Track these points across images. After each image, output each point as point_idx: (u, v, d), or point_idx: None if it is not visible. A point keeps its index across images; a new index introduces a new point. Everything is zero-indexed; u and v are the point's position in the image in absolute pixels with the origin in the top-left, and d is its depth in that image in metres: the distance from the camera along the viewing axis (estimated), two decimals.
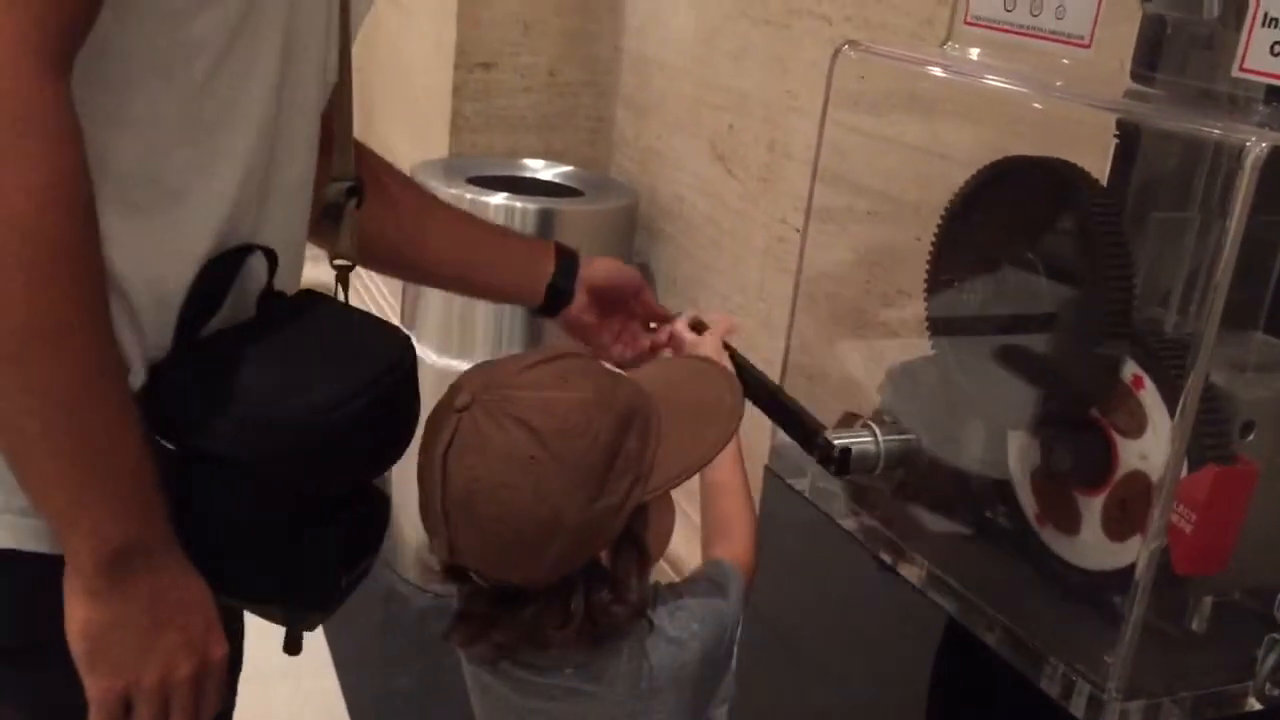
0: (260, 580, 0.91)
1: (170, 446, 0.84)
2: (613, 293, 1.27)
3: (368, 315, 0.99)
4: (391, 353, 0.94)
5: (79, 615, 0.82)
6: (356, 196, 1.02)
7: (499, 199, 2.44)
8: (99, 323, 0.78)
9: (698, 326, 1.24)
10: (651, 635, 0.94)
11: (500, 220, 2.44)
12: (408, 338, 0.97)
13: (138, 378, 0.85)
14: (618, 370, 0.97)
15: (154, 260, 0.85)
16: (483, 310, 2.48)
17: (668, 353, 1.26)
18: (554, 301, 1.25)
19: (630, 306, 1.29)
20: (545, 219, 2.44)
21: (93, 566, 0.80)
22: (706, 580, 1.02)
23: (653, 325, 1.30)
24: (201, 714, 0.88)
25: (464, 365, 2.92)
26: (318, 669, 2.29)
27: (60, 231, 0.74)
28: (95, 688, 0.83)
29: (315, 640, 2.47)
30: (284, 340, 0.90)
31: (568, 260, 1.25)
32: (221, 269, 0.88)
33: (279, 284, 0.94)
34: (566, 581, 0.91)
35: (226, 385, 0.85)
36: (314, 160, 0.98)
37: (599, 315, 1.27)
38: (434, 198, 1.26)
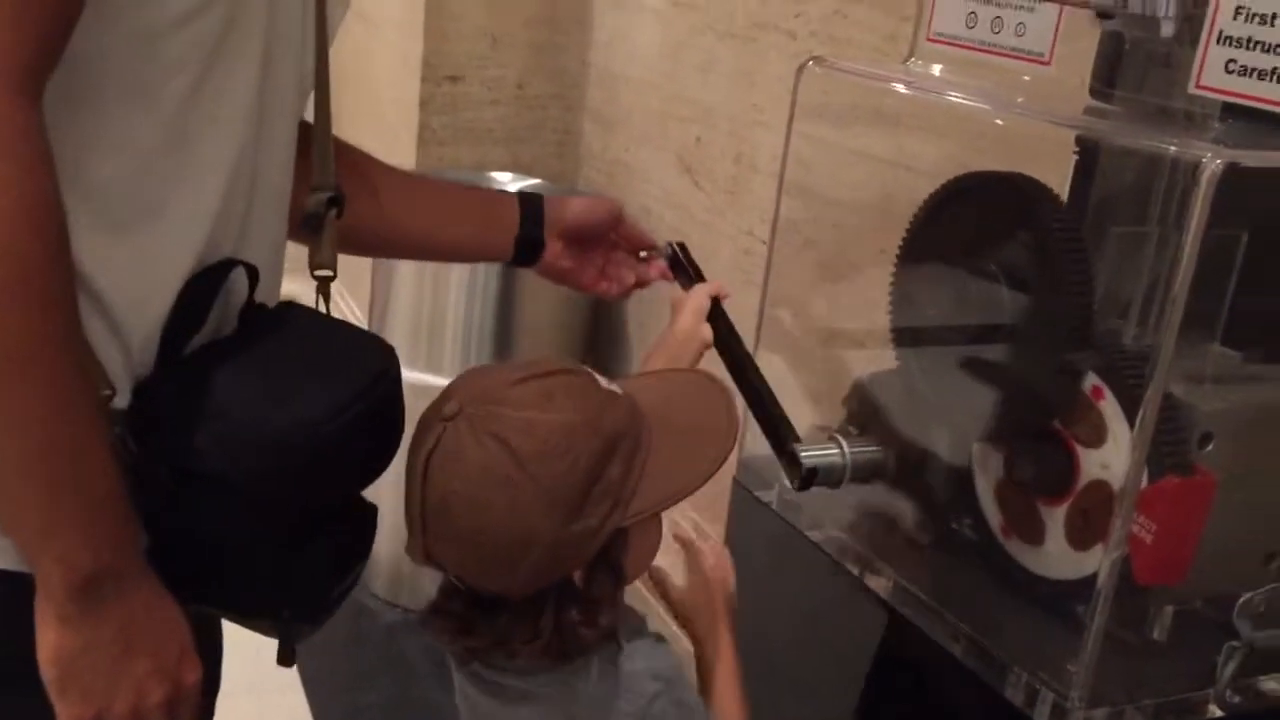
0: (252, 595, 0.91)
1: (158, 466, 0.84)
2: (588, 230, 1.23)
3: (350, 326, 0.99)
4: (375, 364, 0.93)
5: (50, 641, 0.81)
6: (337, 206, 1.02)
7: None
8: (70, 347, 0.78)
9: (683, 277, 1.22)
10: (623, 659, 0.95)
11: None
12: (391, 348, 0.97)
13: (123, 397, 0.85)
14: (612, 388, 0.94)
15: (138, 278, 0.85)
16: (451, 322, 2.48)
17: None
18: (525, 253, 1.22)
19: (611, 239, 1.25)
20: None
21: (64, 592, 0.79)
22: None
23: (642, 254, 1.27)
24: None
25: (431, 379, 2.90)
26: (284, 685, 2.27)
27: (31, 256, 0.74)
28: (66, 715, 0.82)
29: None
30: (267, 354, 0.90)
31: (532, 208, 1.22)
32: (205, 285, 0.88)
33: (260, 295, 0.94)
34: (540, 596, 0.91)
35: (211, 403, 0.84)
36: (292, 169, 0.98)
37: (577, 257, 1.24)
38: (404, 174, 1.24)
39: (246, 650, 0.94)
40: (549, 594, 0.91)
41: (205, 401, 0.84)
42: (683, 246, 1.24)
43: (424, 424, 0.91)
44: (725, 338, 1.16)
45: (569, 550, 0.89)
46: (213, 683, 1.04)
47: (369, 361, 0.93)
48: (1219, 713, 0.97)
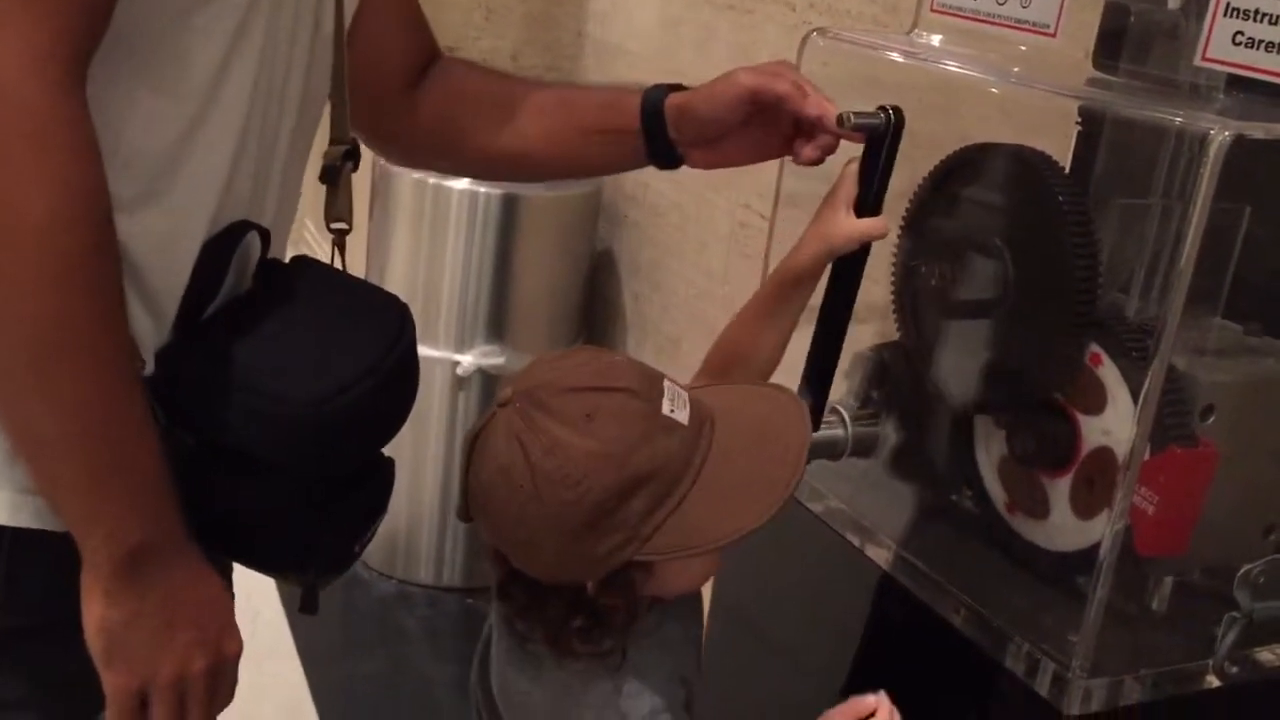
0: (278, 555, 0.93)
1: (185, 437, 0.85)
2: (740, 120, 1.05)
3: (364, 285, 0.99)
4: (392, 327, 0.94)
5: (95, 613, 0.82)
6: (352, 160, 1.02)
7: (462, 184, 2.43)
8: (117, 330, 0.79)
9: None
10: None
11: (464, 207, 2.43)
12: (404, 307, 0.97)
13: (149, 364, 0.85)
14: (675, 415, 0.88)
15: (169, 245, 0.86)
16: (447, 293, 2.47)
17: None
18: (664, 163, 1.10)
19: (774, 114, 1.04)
20: (508, 204, 2.43)
21: (109, 567, 0.80)
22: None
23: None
24: (215, 709, 0.89)
25: (426, 350, 2.89)
26: (280, 655, 2.28)
27: (80, 245, 0.75)
28: (111, 684, 0.84)
29: (278, 626, 2.46)
30: (288, 321, 0.91)
31: (651, 121, 1.07)
32: (220, 249, 0.88)
33: (273, 250, 0.95)
34: (558, 589, 0.90)
35: (236, 375, 0.85)
36: (305, 120, 0.98)
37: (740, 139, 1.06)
38: (538, 94, 1.14)
39: (242, 619, 0.94)
40: (562, 591, 0.90)
41: (230, 372, 0.85)
42: (897, 126, 0.97)
43: (493, 402, 0.92)
44: (848, 270, 1.01)
45: (574, 567, 0.89)
46: None
47: (386, 325, 0.94)
48: (1217, 683, 0.98)
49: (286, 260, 0.99)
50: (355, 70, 1.00)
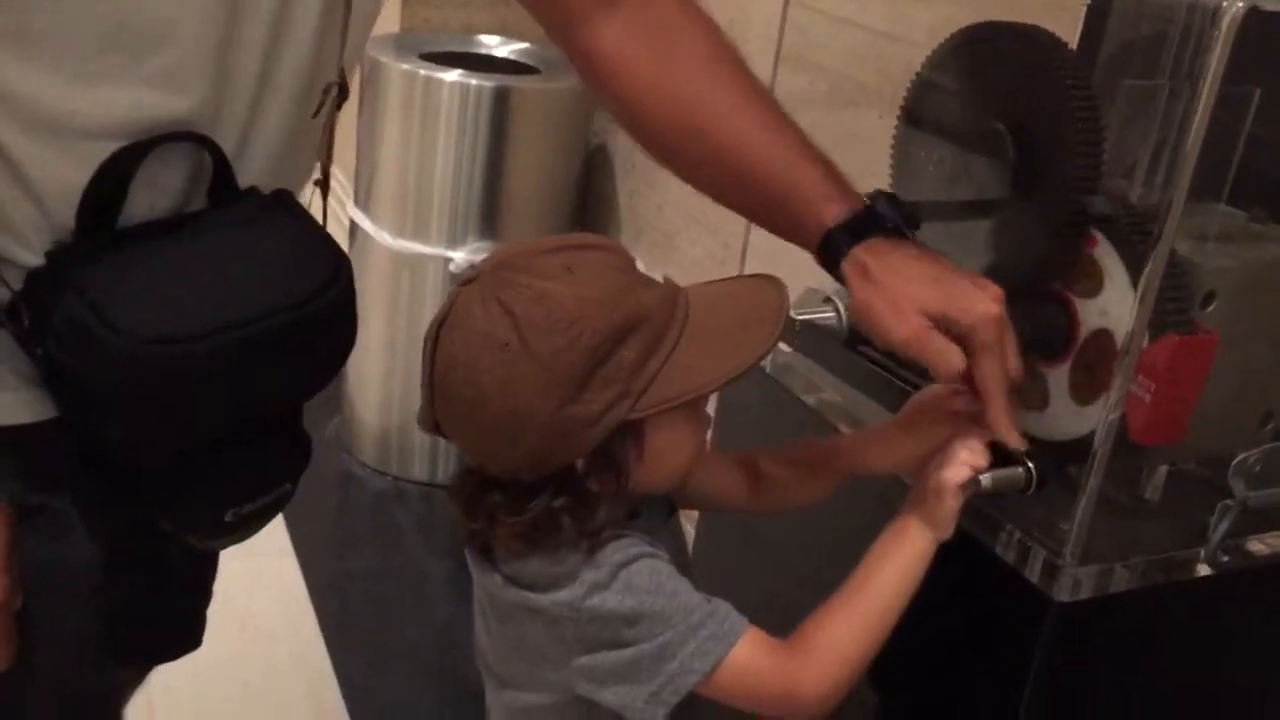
0: (152, 495, 0.88)
1: (37, 349, 0.79)
2: None
3: (311, 233, 0.91)
4: (297, 286, 0.87)
5: None
6: (341, 93, 0.95)
7: (453, 76, 2.38)
8: None
9: None
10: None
11: (455, 100, 2.38)
12: (339, 265, 0.90)
13: (35, 254, 0.80)
14: (650, 276, 0.87)
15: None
16: (438, 191, 2.44)
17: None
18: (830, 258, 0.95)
19: None
20: (500, 97, 2.38)
21: None
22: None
23: None
24: None
25: (419, 247, 2.87)
26: (275, 550, 2.30)
27: None
28: None
29: (274, 523, 2.47)
30: (191, 253, 0.83)
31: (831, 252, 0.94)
32: (136, 153, 0.81)
33: (264, 180, 0.88)
34: (541, 483, 0.87)
35: (102, 298, 0.79)
36: (319, 56, 0.90)
37: None
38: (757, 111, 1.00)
39: None
40: (549, 481, 0.87)
41: (99, 294, 0.79)
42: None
43: (451, 293, 0.89)
44: None
45: (565, 437, 0.84)
46: (205, 590, 1.03)
47: (293, 283, 0.87)
48: (1208, 571, 0.98)
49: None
50: None
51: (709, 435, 0.97)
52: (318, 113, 0.94)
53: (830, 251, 0.93)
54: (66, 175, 0.79)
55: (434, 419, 0.89)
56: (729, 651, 0.87)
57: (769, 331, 0.88)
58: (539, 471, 0.87)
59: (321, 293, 0.88)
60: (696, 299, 0.88)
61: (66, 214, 0.80)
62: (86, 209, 0.80)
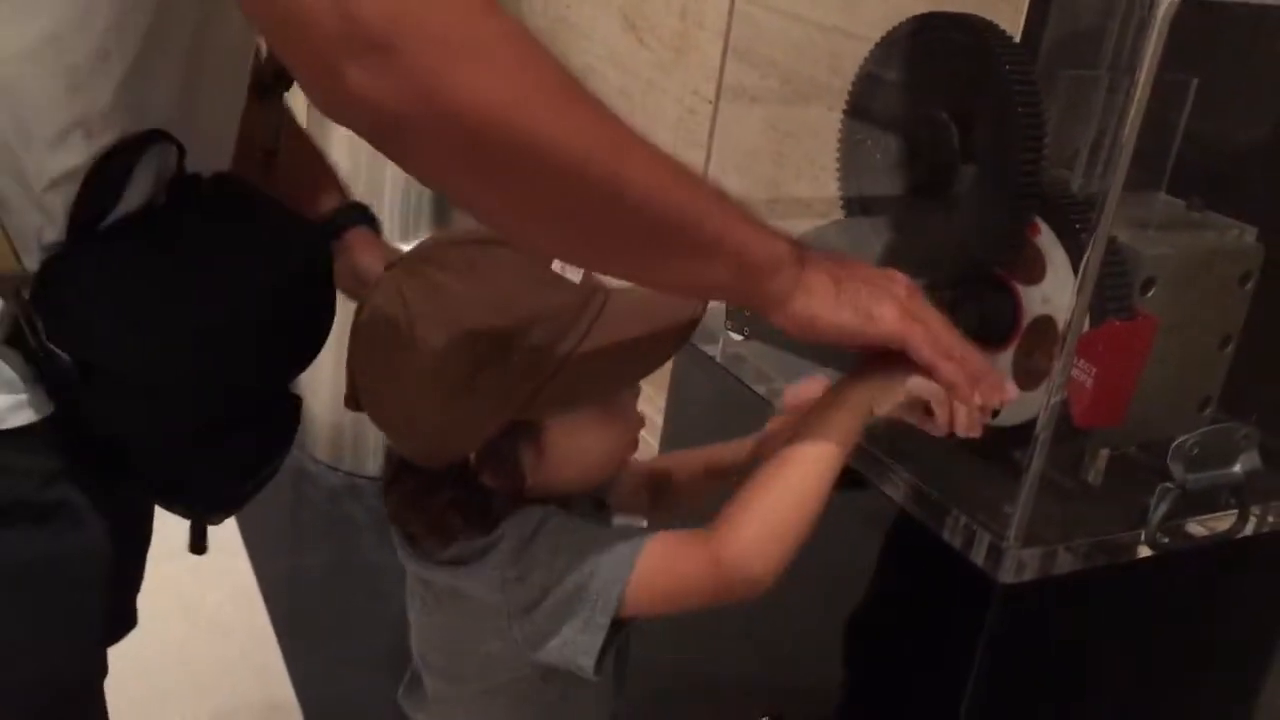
0: (162, 483, 0.89)
1: (61, 354, 0.80)
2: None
3: (281, 212, 0.92)
4: (294, 261, 0.88)
5: (827, 317, 0.83)
6: (286, 77, 0.96)
7: None
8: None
9: None
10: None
11: None
12: (318, 234, 0.92)
13: (34, 260, 0.80)
14: (564, 276, 0.85)
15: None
16: (389, 188, 2.43)
17: None
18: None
19: None
20: None
21: (796, 271, 0.82)
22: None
23: None
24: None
25: None
26: (228, 547, 2.28)
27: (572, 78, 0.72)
28: (889, 325, 0.84)
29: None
30: (183, 241, 0.84)
31: (332, 220, 1.09)
32: (122, 158, 0.81)
33: (209, 164, 0.88)
34: (439, 474, 0.87)
35: (117, 294, 0.80)
36: (253, 38, 0.90)
37: None
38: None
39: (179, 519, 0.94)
40: (445, 475, 0.86)
41: (111, 291, 0.80)
42: None
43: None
44: None
45: (452, 432, 0.84)
46: (140, 565, 1.04)
47: (286, 255, 0.88)
48: (1148, 552, 0.99)
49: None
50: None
51: (659, 430, 0.97)
52: (268, 95, 0.94)
53: None
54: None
55: (354, 398, 0.89)
56: (642, 549, 0.84)
57: (671, 345, 0.87)
58: (435, 462, 0.86)
59: (313, 256, 0.90)
60: (616, 304, 0.86)
61: (61, 218, 0.80)
62: (80, 212, 0.80)
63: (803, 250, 0.82)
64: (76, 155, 0.79)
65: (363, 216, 1.10)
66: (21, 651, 0.85)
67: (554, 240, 0.77)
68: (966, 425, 0.86)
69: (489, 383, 0.81)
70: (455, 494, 0.86)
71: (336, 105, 0.67)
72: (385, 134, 0.67)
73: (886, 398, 0.86)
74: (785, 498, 0.84)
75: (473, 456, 0.85)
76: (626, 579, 0.84)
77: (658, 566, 0.84)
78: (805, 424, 0.86)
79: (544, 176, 0.70)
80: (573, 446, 0.88)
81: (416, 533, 0.90)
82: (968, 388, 0.85)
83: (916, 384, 0.84)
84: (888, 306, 0.83)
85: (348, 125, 0.68)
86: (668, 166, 0.75)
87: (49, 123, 0.78)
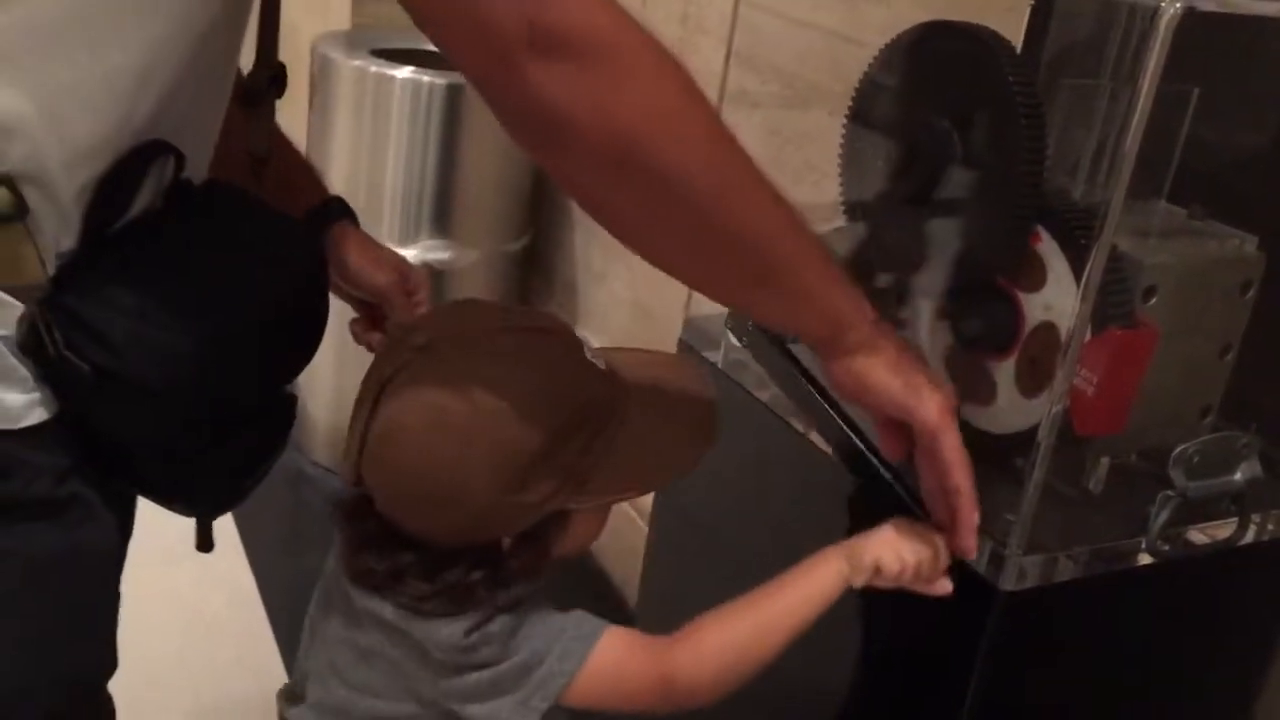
0: (164, 483, 0.90)
1: (78, 362, 0.81)
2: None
3: (277, 216, 0.94)
4: (294, 264, 0.90)
5: (881, 379, 0.90)
6: (278, 85, 0.98)
7: (405, 73, 2.37)
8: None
9: None
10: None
11: (407, 97, 2.37)
12: (315, 239, 0.95)
13: (52, 267, 0.81)
14: (596, 361, 0.89)
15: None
16: (389, 188, 2.43)
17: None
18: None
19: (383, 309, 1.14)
20: (453, 94, 2.38)
21: (864, 330, 0.89)
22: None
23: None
24: None
25: None
26: (227, 550, 2.26)
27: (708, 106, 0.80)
28: (925, 413, 0.90)
29: (224, 522, 2.43)
30: (189, 251, 0.86)
31: (318, 213, 1.11)
32: (133, 167, 0.82)
33: (194, 169, 0.89)
34: (457, 552, 0.87)
35: (121, 304, 0.81)
36: (235, 38, 0.91)
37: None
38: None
39: (184, 521, 0.94)
40: (466, 553, 0.87)
41: (125, 301, 0.81)
42: None
43: (391, 347, 0.87)
44: None
45: (500, 518, 0.86)
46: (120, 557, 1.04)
47: (284, 263, 0.90)
48: (1149, 560, 1.00)
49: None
50: None
51: None
52: (258, 104, 0.96)
53: None
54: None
55: (358, 473, 0.88)
56: (594, 646, 0.87)
57: (703, 436, 0.94)
58: (460, 542, 0.87)
59: (310, 264, 0.92)
60: (632, 389, 0.90)
61: (77, 226, 0.82)
62: (93, 219, 0.82)
63: (877, 314, 0.89)
64: (101, 166, 0.81)
65: (343, 210, 1.12)
66: (45, 647, 0.85)
67: (669, 255, 0.83)
68: (927, 578, 0.92)
69: (547, 471, 0.84)
70: (482, 572, 0.86)
71: (512, 100, 0.73)
72: (549, 133, 0.73)
73: (860, 575, 0.91)
74: (750, 644, 0.89)
75: (506, 541, 0.87)
76: (573, 674, 0.86)
77: (607, 669, 0.87)
78: (792, 576, 0.91)
79: (677, 202, 0.77)
80: (587, 528, 0.92)
81: (404, 598, 0.88)
82: (958, 521, 0.91)
83: (886, 562, 0.90)
84: (938, 396, 0.89)
85: (515, 121, 0.74)
86: (785, 212, 0.82)
87: (87, 139, 0.79)
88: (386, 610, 0.88)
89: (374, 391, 0.86)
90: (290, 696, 1.00)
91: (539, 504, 0.85)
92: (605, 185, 0.77)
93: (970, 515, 0.90)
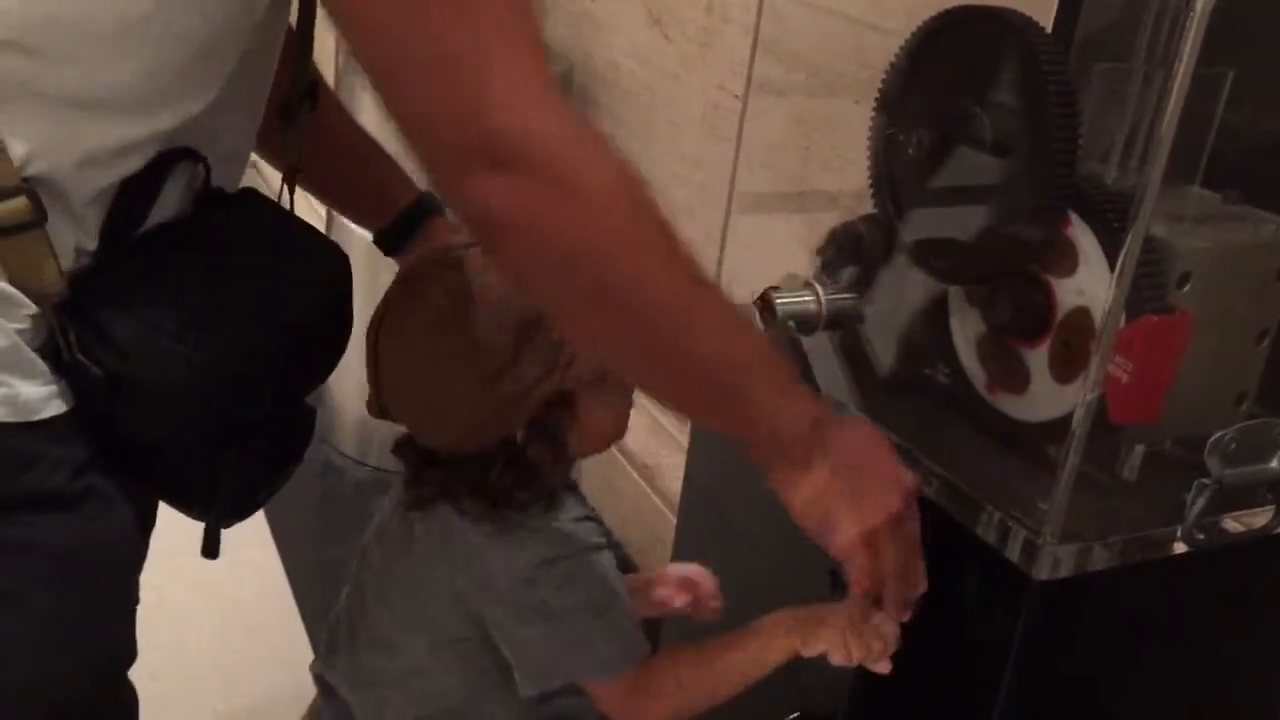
0: (177, 486, 0.92)
1: (92, 366, 0.82)
2: None
3: (304, 229, 0.96)
4: (320, 282, 0.93)
5: (804, 494, 0.91)
6: (311, 99, 1.00)
7: None
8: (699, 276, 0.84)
9: None
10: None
11: None
12: (343, 257, 0.95)
13: (66, 261, 0.82)
14: None
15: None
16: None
17: None
18: (386, 247, 1.18)
19: None
20: None
21: (802, 446, 0.90)
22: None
23: None
24: (910, 533, 0.95)
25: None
26: (256, 540, 2.29)
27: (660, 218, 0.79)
28: (840, 543, 0.93)
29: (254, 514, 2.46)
30: (213, 262, 0.87)
31: (412, 213, 1.15)
32: (151, 175, 0.84)
33: (225, 180, 0.91)
34: (485, 455, 0.93)
35: (136, 311, 0.82)
36: (275, 58, 0.93)
37: None
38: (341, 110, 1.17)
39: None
40: (495, 454, 0.93)
41: (140, 308, 0.82)
42: None
43: (401, 283, 0.95)
44: None
45: (500, 411, 0.91)
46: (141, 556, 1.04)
47: (312, 280, 0.92)
48: (1184, 549, 0.99)
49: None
50: None
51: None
52: (293, 116, 0.98)
53: None
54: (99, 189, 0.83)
55: (378, 401, 0.95)
56: (603, 676, 0.97)
57: None
58: (474, 445, 0.93)
59: (335, 281, 0.94)
60: None
61: (95, 230, 0.83)
62: (113, 224, 0.83)
63: (824, 430, 0.88)
64: (121, 171, 0.81)
65: (435, 205, 1.16)
66: (67, 636, 0.86)
67: (613, 358, 0.85)
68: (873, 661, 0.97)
69: (533, 356, 0.88)
70: (513, 474, 0.93)
71: (452, 198, 0.76)
72: (488, 236, 0.74)
73: (809, 653, 0.98)
74: (701, 694, 0.99)
75: (519, 434, 0.92)
76: (591, 679, 0.98)
77: (594, 687, 0.99)
78: (748, 637, 0.99)
79: (617, 317, 0.77)
80: (600, 411, 0.96)
81: (469, 509, 0.95)
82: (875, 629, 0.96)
83: (833, 657, 0.97)
84: (851, 528, 0.91)
85: (457, 215, 0.76)
86: (731, 330, 0.83)
87: (112, 144, 0.80)
88: (436, 523, 0.97)
89: (375, 322, 0.95)
90: (326, 661, 1.09)
91: (529, 389, 0.90)
92: (544, 293, 0.78)
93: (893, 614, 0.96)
